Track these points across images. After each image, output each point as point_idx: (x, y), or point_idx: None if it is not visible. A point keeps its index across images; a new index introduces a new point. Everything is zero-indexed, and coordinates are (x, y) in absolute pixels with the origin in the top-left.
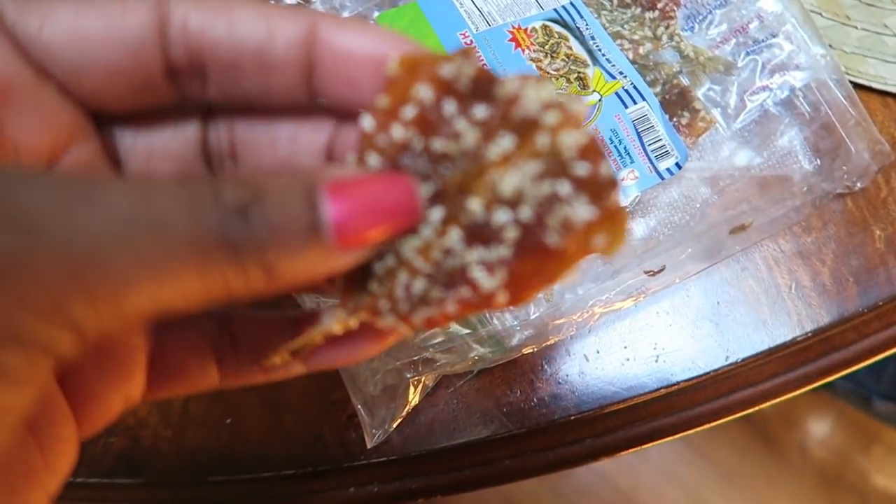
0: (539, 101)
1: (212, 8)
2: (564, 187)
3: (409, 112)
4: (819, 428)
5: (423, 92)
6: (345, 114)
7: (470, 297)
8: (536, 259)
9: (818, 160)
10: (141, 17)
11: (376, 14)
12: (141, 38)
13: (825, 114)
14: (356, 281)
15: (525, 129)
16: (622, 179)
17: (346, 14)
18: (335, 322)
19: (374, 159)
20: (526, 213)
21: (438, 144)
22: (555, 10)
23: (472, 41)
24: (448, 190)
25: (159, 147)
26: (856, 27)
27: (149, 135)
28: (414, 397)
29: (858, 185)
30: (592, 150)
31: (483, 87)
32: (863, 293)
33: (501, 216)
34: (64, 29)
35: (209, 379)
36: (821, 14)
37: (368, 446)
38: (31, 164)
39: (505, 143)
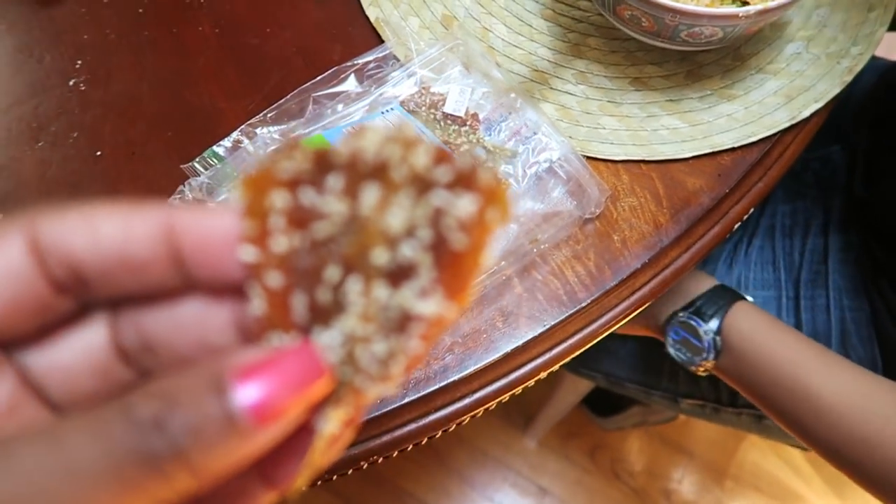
0: (374, 145)
1: (74, 221)
2: (439, 196)
3: (277, 222)
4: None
5: (277, 199)
6: (221, 291)
7: (423, 327)
8: (456, 262)
9: (574, 200)
10: (16, 253)
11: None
12: (21, 273)
13: (573, 174)
14: None
15: (379, 172)
16: None
17: (271, 148)
18: (333, 423)
19: (273, 279)
20: (424, 234)
21: (317, 230)
22: None
23: None
24: (352, 259)
25: (73, 361)
26: (583, 126)
27: (58, 351)
28: None
29: (597, 211)
30: (440, 155)
31: (323, 162)
32: (614, 274)
33: (406, 250)
34: None
35: None
36: (563, 121)
37: None
38: None
39: (370, 194)
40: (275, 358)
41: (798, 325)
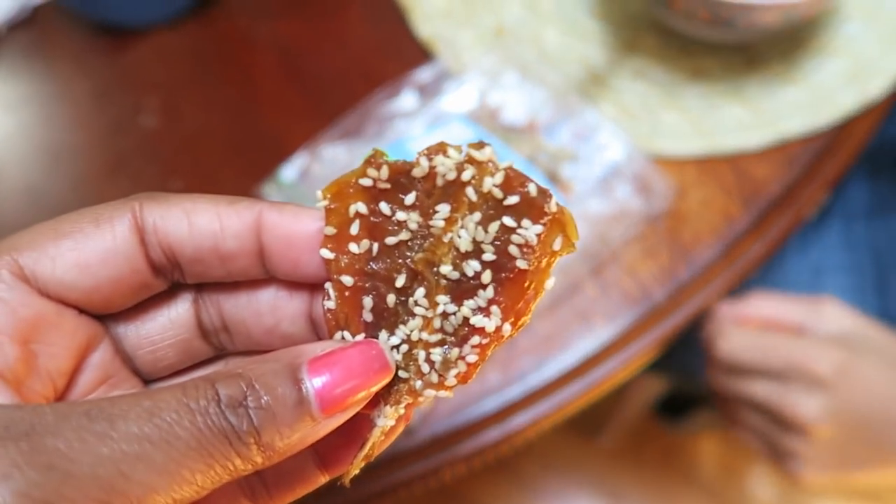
0: (450, 165)
1: (175, 210)
2: (508, 220)
3: (354, 228)
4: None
5: (357, 207)
6: (297, 285)
7: (482, 341)
8: (517, 283)
9: (641, 198)
10: (124, 234)
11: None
12: (128, 252)
13: (638, 172)
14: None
15: (453, 190)
16: None
17: (339, 163)
18: (389, 419)
19: (347, 280)
20: (489, 254)
21: (391, 239)
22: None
23: None
24: (419, 269)
25: (160, 335)
26: (644, 122)
27: (148, 325)
28: None
29: (665, 207)
30: (514, 180)
31: (401, 176)
32: (688, 267)
33: (471, 266)
34: (70, 264)
35: None
36: (622, 118)
37: None
38: (62, 403)
39: (442, 211)
40: (343, 351)
41: (885, 308)
